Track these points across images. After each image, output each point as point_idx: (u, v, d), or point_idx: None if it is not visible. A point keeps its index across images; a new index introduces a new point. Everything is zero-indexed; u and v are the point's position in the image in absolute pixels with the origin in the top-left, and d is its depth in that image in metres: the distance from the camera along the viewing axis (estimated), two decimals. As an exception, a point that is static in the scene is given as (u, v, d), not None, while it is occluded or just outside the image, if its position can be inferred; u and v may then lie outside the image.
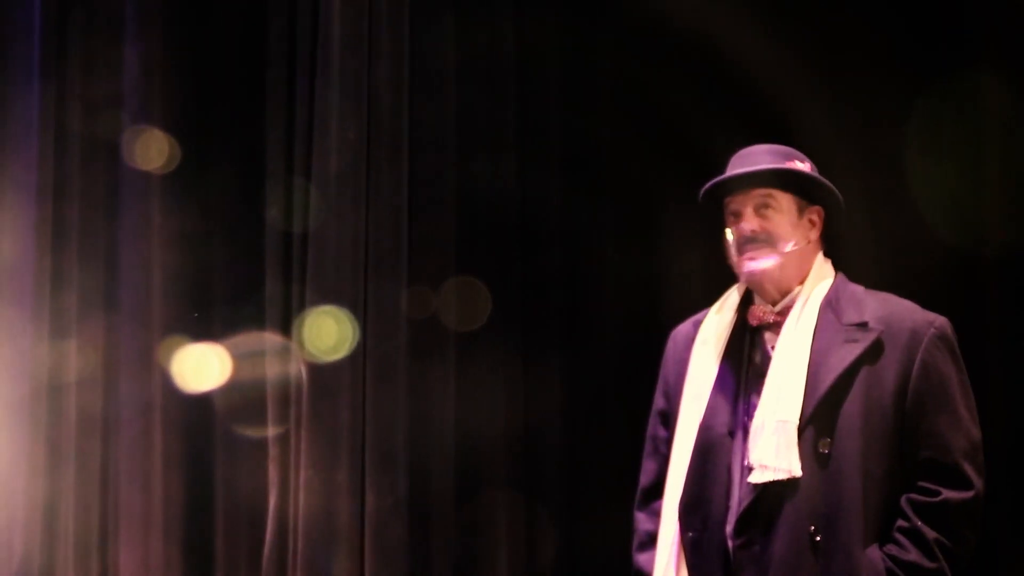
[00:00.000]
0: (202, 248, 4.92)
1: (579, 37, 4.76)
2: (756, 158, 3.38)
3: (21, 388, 4.90)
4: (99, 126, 4.96)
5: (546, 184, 4.76)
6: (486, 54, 4.77)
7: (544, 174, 4.76)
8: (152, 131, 4.93)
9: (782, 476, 3.18)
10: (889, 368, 3.22)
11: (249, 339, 4.80)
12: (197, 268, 4.92)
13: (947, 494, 3.15)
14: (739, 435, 3.30)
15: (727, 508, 3.27)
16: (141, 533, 4.84)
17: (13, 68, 5.03)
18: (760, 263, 3.33)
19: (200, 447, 4.88)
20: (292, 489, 4.71)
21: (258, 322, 4.81)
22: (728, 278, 3.49)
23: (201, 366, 4.83)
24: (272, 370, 4.78)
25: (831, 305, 3.32)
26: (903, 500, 3.18)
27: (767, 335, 3.37)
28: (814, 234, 3.39)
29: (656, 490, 3.46)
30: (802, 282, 3.37)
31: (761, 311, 3.38)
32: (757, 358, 3.36)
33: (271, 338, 4.79)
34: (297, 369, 4.73)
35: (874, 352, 3.23)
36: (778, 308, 3.37)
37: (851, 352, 3.23)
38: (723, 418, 3.32)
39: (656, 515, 3.43)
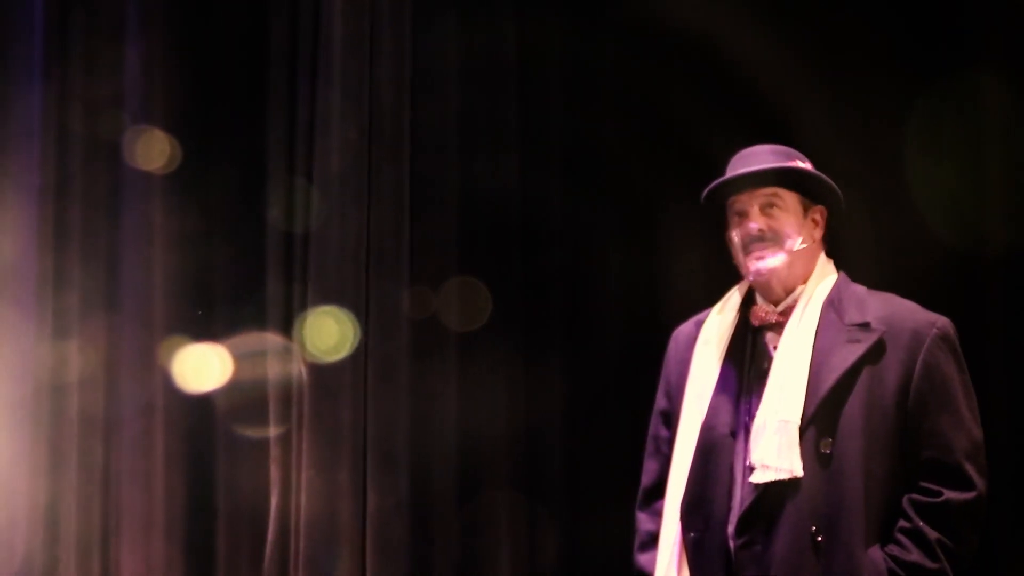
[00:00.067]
0: (203, 248, 4.91)
1: (580, 37, 4.76)
2: (759, 158, 3.38)
3: (22, 388, 4.88)
4: (100, 126, 4.94)
5: (547, 184, 4.76)
6: (487, 54, 4.77)
7: (545, 174, 4.76)
8: (153, 131, 4.92)
9: (784, 476, 3.19)
10: (891, 368, 3.22)
11: (250, 339, 4.80)
12: (198, 268, 4.91)
13: (949, 494, 3.16)
14: (741, 435, 3.31)
15: (729, 508, 3.27)
16: (142, 533, 4.83)
17: (14, 68, 5.02)
18: (768, 262, 3.34)
19: (201, 447, 4.87)
20: (293, 489, 4.71)
21: (259, 322, 4.81)
22: (729, 278, 3.50)
23: (202, 366, 4.83)
24: (273, 370, 4.77)
25: (833, 305, 3.32)
26: (905, 500, 3.19)
27: (769, 335, 3.37)
28: (818, 233, 3.40)
29: (657, 490, 3.46)
30: (805, 281, 3.37)
31: (763, 311, 3.38)
32: (759, 358, 3.37)
33: (272, 338, 4.78)
34: (298, 369, 4.73)
35: (876, 352, 3.23)
36: (780, 308, 3.37)
37: (853, 352, 3.23)
38: (725, 418, 3.33)
39: (657, 515, 3.44)
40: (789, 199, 3.37)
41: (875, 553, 3.16)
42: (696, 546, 3.30)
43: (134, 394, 4.86)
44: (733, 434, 3.31)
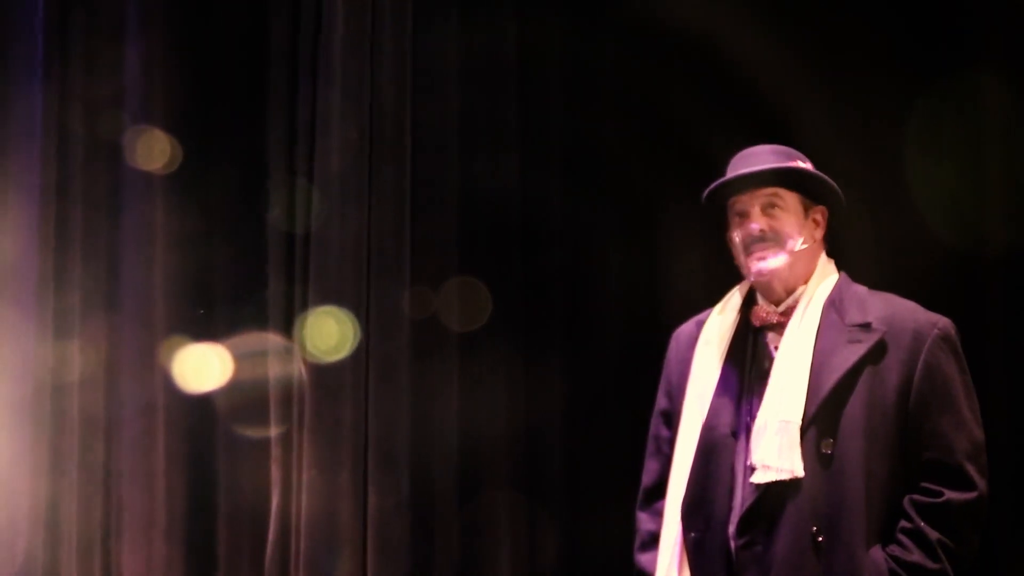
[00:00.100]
0: (204, 248, 4.91)
1: (580, 37, 4.77)
2: (760, 158, 3.38)
3: (23, 388, 4.89)
4: (101, 126, 4.94)
5: (547, 184, 4.76)
6: (488, 54, 4.77)
7: (546, 174, 4.77)
8: (154, 131, 4.92)
9: (785, 476, 3.19)
10: (892, 369, 3.23)
11: (251, 339, 4.80)
12: (199, 268, 4.91)
13: (950, 495, 3.16)
14: (742, 435, 3.30)
15: (730, 508, 3.27)
16: (143, 533, 4.83)
17: (15, 69, 5.02)
18: (769, 262, 3.34)
19: (202, 447, 4.87)
20: (294, 489, 4.71)
21: (260, 322, 4.81)
22: (730, 278, 3.50)
23: (203, 366, 4.83)
24: (274, 370, 4.77)
25: (834, 305, 3.32)
26: (906, 501, 3.19)
27: (770, 335, 3.37)
28: (818, 233, 3.40)
29: (658, 490, 3.46)
30: (806, 282, 3.37)
31: (764, 311, 3.38)
32: (760, 359, 3.36)
33: (273, 338, 4.78)
34: (299, 369, 4.73)
35: (877, 353, 3.23)
36: (781, 308, 3.37)
37: (854, 353, 3.23)
38: (726, 418, 3.33)
39: (658, 515, 3.43)
40: (790, 199, 3.37)
41: (876, 553, 3.16)
42: (697, 546, 3.30)
43: (135, 394, 4.87)
44: (734, 434, 3.31)
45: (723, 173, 3.43)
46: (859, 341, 3.25)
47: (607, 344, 4.70)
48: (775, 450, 3.20)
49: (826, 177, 3.39)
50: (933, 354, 3.23)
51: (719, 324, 3.44)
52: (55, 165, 4.95)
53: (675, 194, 4.51)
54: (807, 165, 3.40)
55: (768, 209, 3.35)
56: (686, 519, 3.32)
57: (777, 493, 3.20)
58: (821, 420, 3.21)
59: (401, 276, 4.72)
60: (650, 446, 3.56)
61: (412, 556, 4.64)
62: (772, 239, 3.34)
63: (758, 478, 3.21)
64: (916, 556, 3.16)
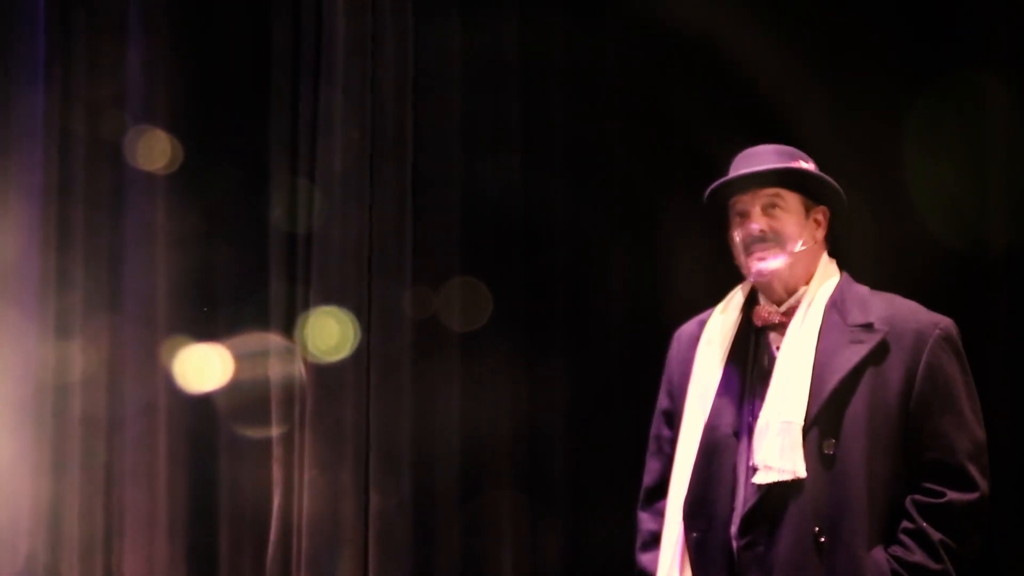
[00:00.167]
0: (206, 248, 4.91)
1: (582, 37, 4.77)
2: (762, 158, 3.37)
3: (25, 388, 4.89)
4: (102, 126, 4.95)
5: (549, 184, 4.77)
6: (490, 54, 4.77)
7: (547, 174, 4.77)
8: (155, 131, 4.92)
9: (787, 477, 3.18)
10: (894, 369, 3.22)
11: (253, 339, 4.81)
12: (200, 268, 4.91)
13: (952, 495, 3.16)
14: (744, 435, 3.29)
15: (732, 508, 3.26)
16: (145, 533, 4.83)
17: (17, 69, 5.02)
18: (769, 263, 3.33)
19: (204, 447, 4.87)
20: (296, 489, 4.72)
21: (261, 322, 4.81)
22: (731, 278, 3.50)
23: (204, 366, 4.83)
24: (276, 370, 4.78)
25: (836, 306, 3.31)
26: (908, 501, 3.19)
27: (772, 335, 3.37)
28: (820, 234, 3.39)
29: (660, 490, 3.45)
30: (808, 282, 3.36)
31: (766, 311, 3.38)
32: (762, 359, 3.36)
33: (275, 338, 4.79)
34: (300, 369, 4.74)
35: (879, 353, 3.23)
36: (783, 308, 3.36)
37: (856, 353, 3.23)
38: (728, 418, 3.32)
39: (660, 515, 3.43)
40: (791, 200, 3.36)
41: (878, 554, 3.16)
42: (699, 546, 3.30)
43: (136, 394, 4.87)
44: (736, 434, 3.30)
45: (724, 173, 3.42)
46: (861, 341, 3.24)
47: (608, 344, 4.71)
48: (777, 451, 3.20)
49: (828, 178, 3.39)
50: (935, 354, 3.23)
51: (721, 324, 3.44)
52: (56, 165, 4.96)
53: (676, 194, 4.52)
54: (810, 165, 3.39)
55: (769, 209, 3.35)
56: (688, 519, 3.31)
57: (779, 494, 3.19)
58: (823, 421, 3.20)
59: (402, 276, 4.73)
60: (651, 446, 3.55)
61: (414, 556, 4.65)
62: (772, 239, 3.34)
63: (760, 479, 3.21)
64: (918, 556, 3.16)
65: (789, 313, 3.35)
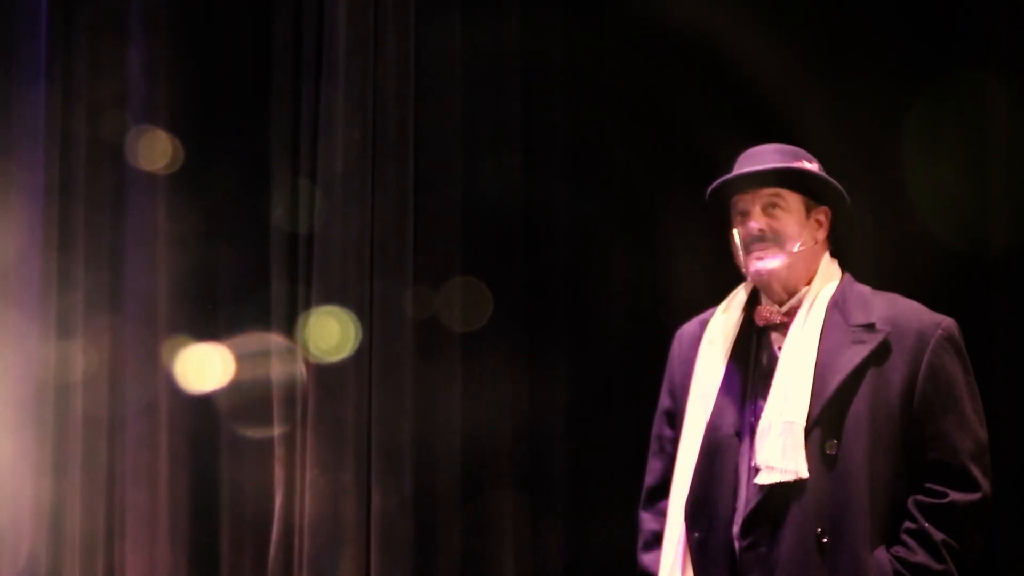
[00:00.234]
0: (207, 249, 4.91)
1: (584, 38, 4.77)
2: (764, 157, 3.37)
3: (26, 388, 4.89)
4: (104, 127, 4.95)
5: (550, 184, 4.77)
6: (491, 54, 4.77)
7: (548, 174, 4.77)
8: (157, 131, 4.92)
9: (789, 478, 3.18)
10: (896, 369, 3.22)
11: (254, 339, 4.80)
12: (202, 269, 4.91)
13: (954, 496, 3.16)
14: (746, 436, 3.29)
15: (734, 509, 3.27)
16: (146, 533, 4.83)
17: (18, 69, 5.02)
18: (767, 262, 3.33)
19: (205, 447, 4.87)
20: (298, 489, 4.71)
21: (263, 322, 4.81)
22: (733, 277, 3.50)
23: (206, 366, 4.83)
24: (277, 370, 4.78)
25: (838, 306, 3.31)
26: (910, 502, 3.19)
27: (774, 335, 3.36)
28: (821, 234, 3.38)
29: (661, 490, 3.46)
30: (809, 282, 3.36)
31: (768, 311, 3.37)
32: (764, 359, 3.36)
33: (276, 338, 4.78)
34: (302, 369, 4.74)
35: (881, 353, 3.23)
36: (785, 308, 3.36)
37: (858, 353, 3.23)
38: (730, 419, 3.32)
39: (661, 515, 3.42)
40: (792, 200, 3.36)
41: (880, 554, 3.16)
42: (700, 546, 3.30)
43: (137, 394, 4.87)
44: (738, 434, 3.30)
45: (725, 173, 3.42)
46: (863, 342, 3.24)
47: (610, 344, 4.71)
48: (779, 451, 3.20)
49: (830, 178, 3.38)
50: (937, 354, 3.23)
51: (723, 323, 3.43)
52: (58, 165, 4.96)
53: (677, 194, 4.53)
54: (813, 166, 3.38)
55: (769, 209, 3.35)
56: (690, 519, 3.31)
57: (781, 494, 3.19)
58: (825, 421, 3.21)
59: (404, 276, 4.73)
60: (653, 445, 3.55)
61: (416, 556, 4.65)
62: (771, 239, 3.33)
63: (762, 479, 3.21)
64: (920, 557, 3.16)
65: (791, 313, 3.35)
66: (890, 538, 3.19)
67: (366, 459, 4.67)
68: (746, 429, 3.31)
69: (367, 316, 4.71)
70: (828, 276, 3.39)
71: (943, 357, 3.23)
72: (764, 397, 3.29)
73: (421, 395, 4.70)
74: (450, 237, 4.76)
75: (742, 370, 3.36)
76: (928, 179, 4.36)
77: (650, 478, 3.54)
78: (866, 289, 3.38)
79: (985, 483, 3.20)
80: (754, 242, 3.34)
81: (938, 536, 3.15)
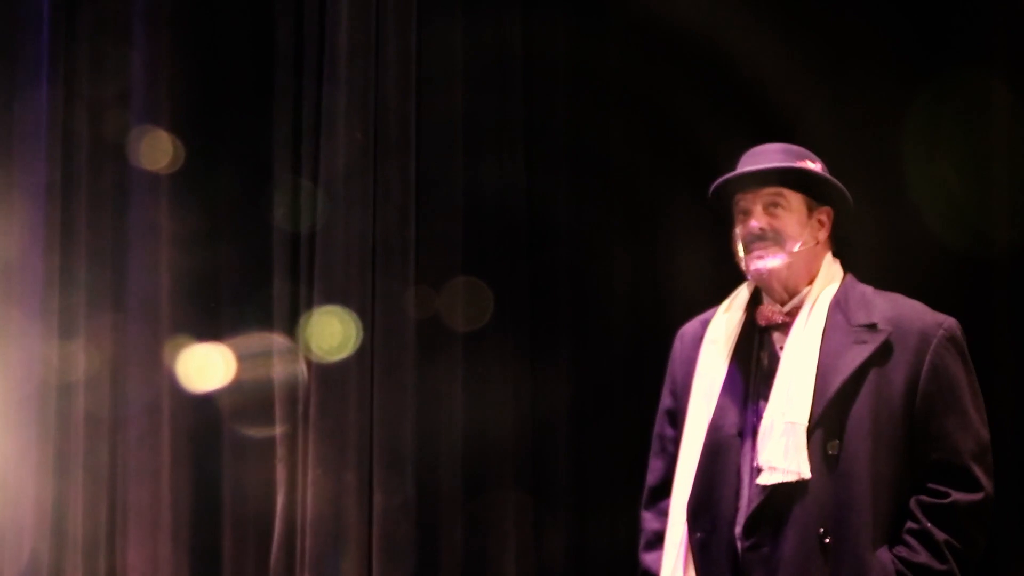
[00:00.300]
0: (209, 248, 4.91)
1: (585, 37, 4.77)
2: (767, 156, 3.37)
3: (28, 387, 4.89)
4: (106, 126, 4.95)
5: (553, 184, 4.77)
6: (493, 54, 4.77)
7: (551, 174, 4.77)
8: (158, 131, 4.92)
9: (791, 478, 3.18)
10: (898, 369, 3.22)
11: (256, 339, 4.81)
12: (204, 268, 4.91)
13: (956, 496, 3.16)
14: (748, 436, 3.29)
15: (736, 509, 3.26)
16: (148, 532, 4.84)
17: (20, 69, 5.02)
18: (767, 262, 3.33)
19: (207, 447, 4.87)
20: (300, 489, 4.71)
21: (265, 322, 4.81)
22: (734, 277, 3.50)
23: (208, 366, 4.83)
24: (279, 370, 4.78)
25: (840, 306, 3.31)
26: (912, 502, 3.19)
27: (776, 335, 3.36)
28: (823, 234, 3.38)
29: (663, 489, 3.45)
30: (811, 282, 3.36)
31: (770, 311, 3.37)
32: (766, 359, 3.36)
33: (278, 338, 4.79)
34: (304, 369, 4.74)
35: (883, 353, 3.23)
36: (787, 308, 3.36)
37: (860, 353, 3.22)
38: (732, 419, 3.31)
39: (663, 514, 3.42)
40: (793, 199, 3.36)
41: (883, 554, 3.16)
42: (703, 547, 3.29)
43: (140, 394, 4.87)
44: (740, 435, 3.30)
45: (727, 172, 3.42)
46: (865, 342, 3.24)
47: (612, 343, 4.71)
48: (781, 451, 3.19)
49: (832, 179, 3.38)
50: (939, 355, 3.23)
51: (725, 323, 3.43)
52: (60, 165, 4.96)
53: (679, 194, 4.53)
54: (816, 165, 3.38)
55: (770, 208, 3.34)
56: (692, 519, 3.31)
57: (784, 494, 3.19)
58: (827, 421, 3.20)
59: (405, 276, 4.73)
60: (655, 445, 3.55)
61: (418, 555, 4.65)
62: (772, 238, 3.33)
63: (765, 479, 3.21)
64: (923, 557, 3.16)
65: (792, 313, 3.35)
66: (892, 538, 3.19)
67: (368, 459, 4.67)
68: (748, 429, 3.30)
69: (369, 316, 4.71)
70: (830, 276, 3.38)
71: (945, 357, 3.23)
72: (766, 397, 3.29)
73: (423, 395, 4.70)
74: (452, 237, 4.76)
75: (744, 370, 3.36)
76: (930, 179, 4.36)
77: (652, 478, 3.53)
78: (868, 289, 3.38)
79: (987, 483, 3.20)
80: (754, 241, 3.34)
81: (940, 536, 3.15)
